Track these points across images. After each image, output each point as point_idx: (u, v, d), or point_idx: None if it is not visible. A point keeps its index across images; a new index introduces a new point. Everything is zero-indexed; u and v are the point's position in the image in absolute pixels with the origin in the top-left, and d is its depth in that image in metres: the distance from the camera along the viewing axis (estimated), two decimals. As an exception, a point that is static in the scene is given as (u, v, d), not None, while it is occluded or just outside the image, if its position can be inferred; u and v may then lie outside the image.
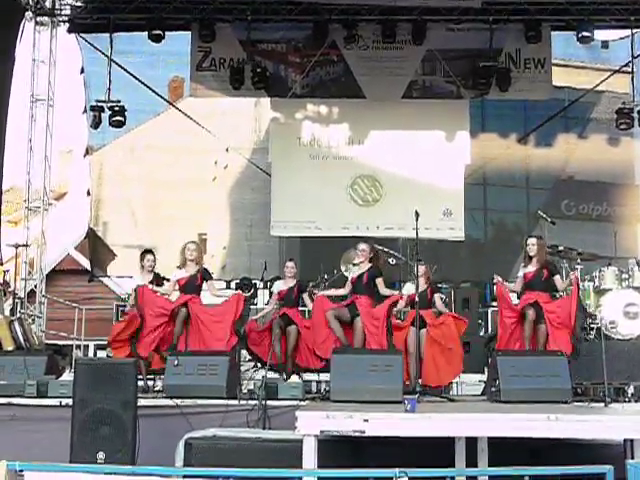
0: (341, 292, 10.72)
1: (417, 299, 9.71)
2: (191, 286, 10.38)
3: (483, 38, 14.79)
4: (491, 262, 15.11)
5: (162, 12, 14.49)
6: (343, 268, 11.92)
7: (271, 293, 11.23)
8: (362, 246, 10.55)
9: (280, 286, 10.91)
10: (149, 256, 10.77)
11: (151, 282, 10.58)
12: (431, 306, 10.40)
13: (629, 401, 9.12)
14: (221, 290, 11.58)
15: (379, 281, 10.32)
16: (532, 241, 10.15)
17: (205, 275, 10.57)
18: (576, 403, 8.63)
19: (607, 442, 7.11)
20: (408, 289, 10.56)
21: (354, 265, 10.66)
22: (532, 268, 10.06)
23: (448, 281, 14.13)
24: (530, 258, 10.13)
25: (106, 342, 10.74)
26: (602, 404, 8.56)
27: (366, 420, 6.42)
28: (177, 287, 10.48)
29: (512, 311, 9.95)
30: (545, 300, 9.88)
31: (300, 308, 11.05)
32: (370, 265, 10.39)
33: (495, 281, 10.28)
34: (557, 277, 10.09)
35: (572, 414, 6.82)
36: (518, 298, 10.25)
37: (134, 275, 11.20)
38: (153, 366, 10.21)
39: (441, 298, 10.74)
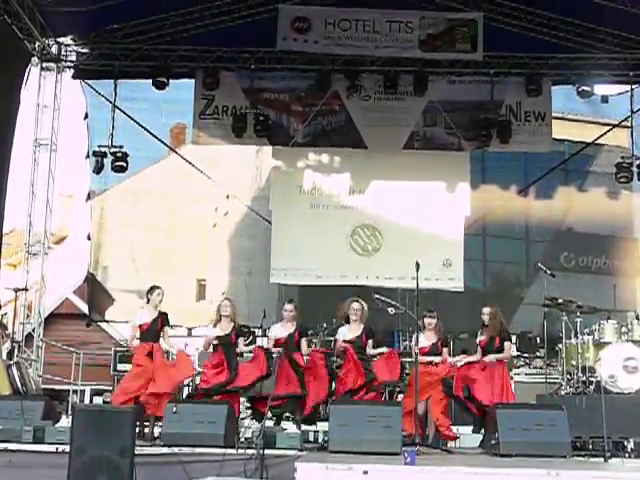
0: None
1: (411, 349, 9.73)
2: (227, 344, 10.44)
3: (484, 91, 15.01)
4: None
5: (167, 60, 14.71)
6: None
7: None
8: (357, 305, 10.49)
9: (278, 331, 10.64)
10: (159, 290, 10.65)
11: (155, 320, 10.44)
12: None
13: (629, 456, 9.06)
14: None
15: (370, 342, 10.44)
16: (485, 310, 10.40)
17: (239, 332, 10.67)
18: (575, 457, 8.59)
19: (607, 498, 7.07)
20: (421, 340, 10.33)
21: (348, 322, 10.51)
22: (485, 336, 10.28)
23: (447, 331, 14.08)
24: (485, 325, 10.35)
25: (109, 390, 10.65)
26: (602, 459, 8.51)
27: (366, 472, 6.39)
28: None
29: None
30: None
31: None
32: (363, 326, 10.46)
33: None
34: (506, 344, 10.26)
35: (573, 470, 6.79)
36: None
37: (137, 311, 10.96)
38: (153, 412, 10.07)
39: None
